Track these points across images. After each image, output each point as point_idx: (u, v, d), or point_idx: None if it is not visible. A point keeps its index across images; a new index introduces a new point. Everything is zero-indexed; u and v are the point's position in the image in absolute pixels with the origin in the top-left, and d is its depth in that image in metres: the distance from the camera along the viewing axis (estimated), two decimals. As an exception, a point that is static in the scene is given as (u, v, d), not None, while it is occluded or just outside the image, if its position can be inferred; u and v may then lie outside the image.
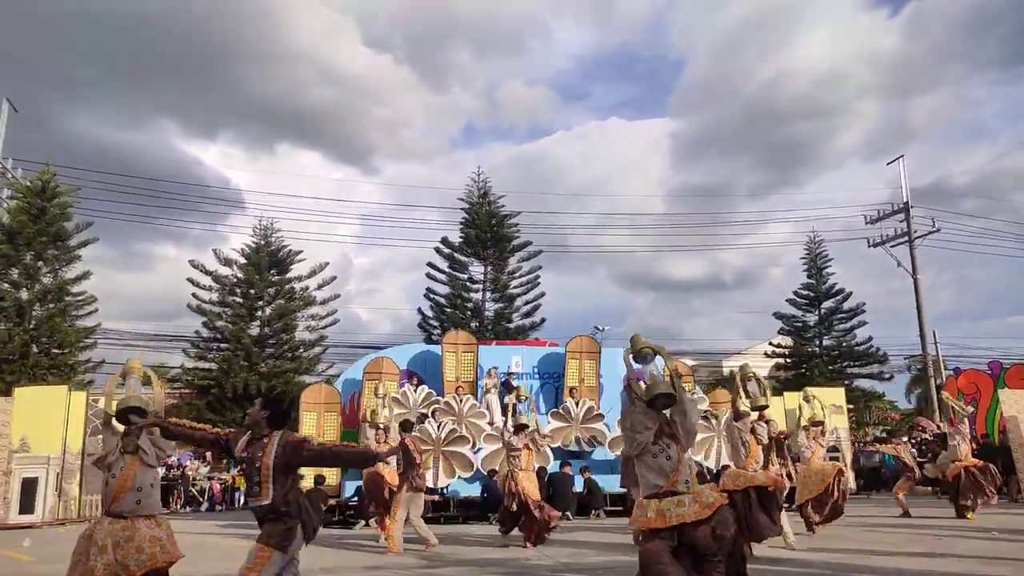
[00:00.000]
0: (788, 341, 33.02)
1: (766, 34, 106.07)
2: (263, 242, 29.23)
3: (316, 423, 15.12)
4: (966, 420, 12.93)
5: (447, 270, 30.34)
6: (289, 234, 32.63)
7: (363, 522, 13.36)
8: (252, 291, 28.32)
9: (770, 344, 33.47)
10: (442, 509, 14.22)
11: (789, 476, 9.14)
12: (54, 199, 24.01)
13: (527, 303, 29.99)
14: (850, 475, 18.34)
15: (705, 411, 15.92)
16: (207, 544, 10.81)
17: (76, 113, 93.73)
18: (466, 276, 30.41)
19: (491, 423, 14.88)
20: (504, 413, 15.31)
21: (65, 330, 23.11)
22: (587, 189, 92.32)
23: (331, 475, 14.63)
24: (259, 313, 28.50)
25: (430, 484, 14.03)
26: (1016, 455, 15.59)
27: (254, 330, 28.15)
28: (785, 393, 21.09)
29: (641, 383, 4.83)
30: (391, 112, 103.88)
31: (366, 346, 28.50)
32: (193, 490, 20.87)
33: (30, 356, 22.16)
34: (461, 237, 30.52)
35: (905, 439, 18.21)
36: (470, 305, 29.82)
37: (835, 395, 20.22)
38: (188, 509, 20.10)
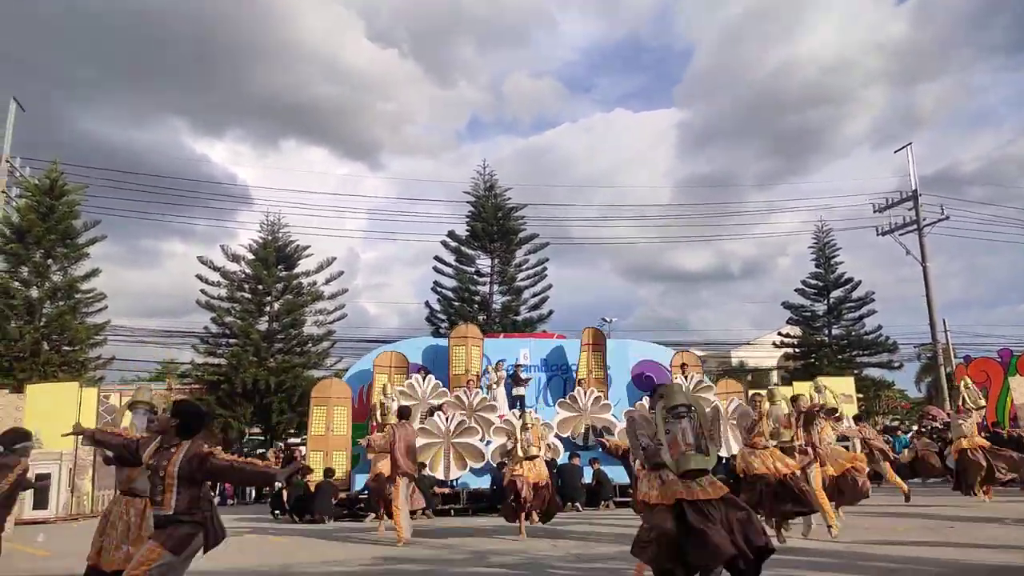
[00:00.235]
0: (797, 331, 32.94)
1: (773, 22, 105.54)
2: (271, 238, 29.31)
3: (326, 417, 15.18)
4: (973, 412, 12.79)
5: (454, 263, 30.40)
6: (296, 230, 32.76)
7: (373, 515, 13.40)
8: (260, 287, 28.42)
9: (779, 334, 33.39)
10: (452, 501, 14.27)
11: (814, 448, 9.00)
12: (62, 197, 24.13)
13: (534, 295, 30.03)
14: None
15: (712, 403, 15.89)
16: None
17: (83, 112, 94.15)
18: (473, 269, 30.46)
19: (500, 416, 14.90)
20: (512, 406, 15.36)
21: (75, 327, 23.26)
22: (593, 181, 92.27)
23: (340, 468, 14.69)
24: (267, 308, 28.60)
25: (440, 476, 14.09)
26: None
27: (263, 325, 28.25)
28: (794, 383, 21.05)
29: (666, 452, 4.63)
30: (397, 107, 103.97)
31: (374, 340, 28.58)
32: (204, 485, 20.99)
33: (41, 353, 22.31)
34: (467, 230, 30.53)
35: (907, 425, 18.10)
36: (477, 298, 29.85)
37: (845, 384, 20.12)
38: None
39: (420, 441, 14.14)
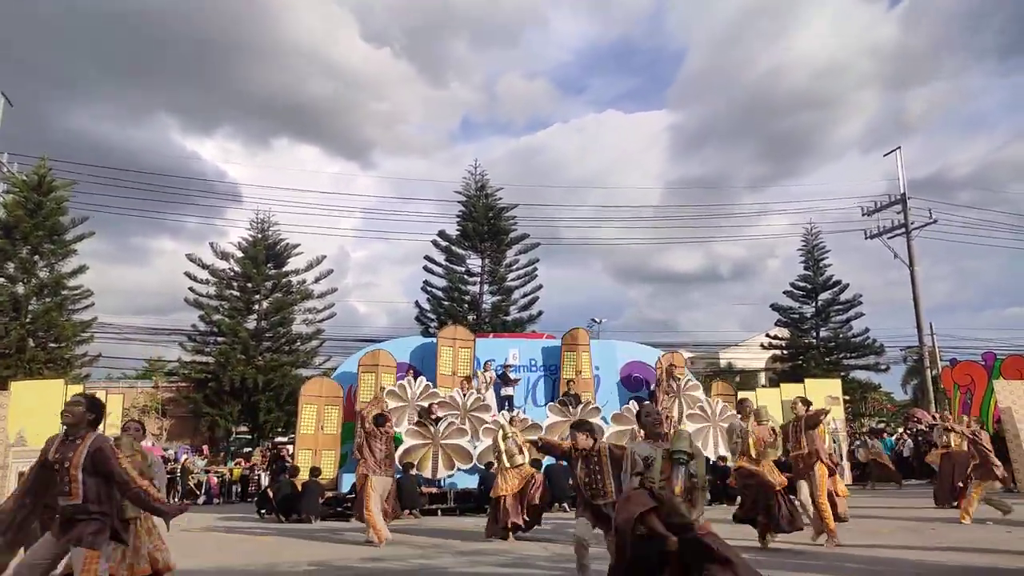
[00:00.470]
0: (785, 333, 33.09)
1: (765, 25, 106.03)
2: (260, 236, 29.19)
3: (316, 417, 15.12)
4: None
5: (444, 263, 30.35)
6: (287, 228, 32.65)
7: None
8: (249, 285, 28.31)
9: (767, 336, 33.54)
10: (440, 501, 14.26)
11: (818, 454, 8.97)
12: (50, 193, 23.98)
13: (524, 296, 30.02)
14: (846, 466, 18.39)
15: (700, 402, 15.98)
16: (204, 537, 10.85)
17: (73, 108, 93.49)
18: (463, 269, 30.43)
19: (491, 416, 14.90)
20: (501, 407, 15.36)
21: (61, 324, 23.11)
22: (585, 182, 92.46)
23: (327, 468, 14.66)
24: (256, 307, 28.49)
25: (428, 475, 14.08)
26: (1011, 446, 15.65)
27: (251, 323, 28.14)
28: (782, 384, 21.15)
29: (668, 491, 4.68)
30: (389, 106, 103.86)
31: (364, 339, 28.49)
32: (190, 483, 20.88)
33: (26, 350, 22.16)
34: (458, 230, 30.51)
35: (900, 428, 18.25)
36: (467, 298, 29.84)
37: (831, 386, 20.27)
38: (187, 502, 20.10)
39: (409, 442, 14.17)
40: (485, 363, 16.01)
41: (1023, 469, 15.42)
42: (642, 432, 5.27)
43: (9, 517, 4.55)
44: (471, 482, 14.29)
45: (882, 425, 28.13)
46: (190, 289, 27.70)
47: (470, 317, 28.33)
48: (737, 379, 34.00)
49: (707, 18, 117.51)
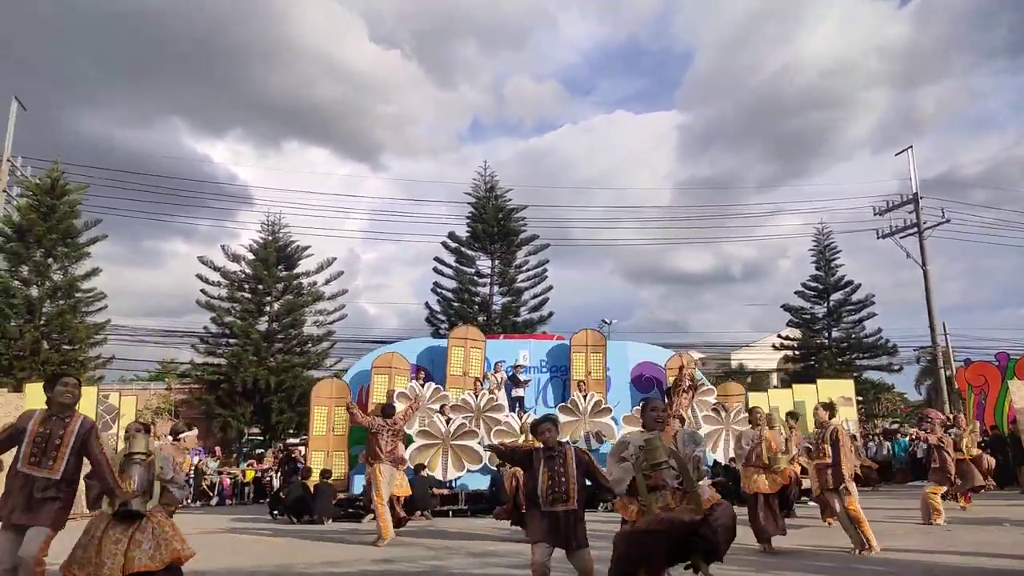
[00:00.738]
0: (797, 333, 32.94)
1: (773, 25, 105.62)
2: (271, 238, 29.32)
3: (327, 418, 15.17)
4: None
5: (454, 264, 30.41)
6: (297, 230, 32.83)
7: (371, 515, 13.41)
8: (260, 287, 28.45)
9: (779, 336, 33.38)
10: (451, 502, 14.27)
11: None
12: (63, 197, 24.17)
13: (534, 297, 30.04)
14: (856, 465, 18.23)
15: (714, 404, 15.93)
16: (217, 538, 10.88)
17: (85, 112, 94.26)
18: (473, 270, 30.48)
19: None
20: (512, 408, 15.36)
21: (75, 326, 23.29)
22: (594, 183, 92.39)
23: (338, 469, 14.70)
24: (267, 308, 28.63)
25: (439, 476, 14.08)
26: (1027, 446, 15.50)
27: (263, 325, 28.28)
28: (794, 385, 21.02)
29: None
30: (398, 108, 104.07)
31: (374, 341, 28.61)
32: (204, 485, 20.98)
33: (41, 352, 22.34)
34: (468, 231, 30.55)
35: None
36: (477, 299, 29.87)
37: (844, 387, 20.10)
38: (199, 503, 20.22)
39: (419, 442, 14.18)
40: (495, 364, 16.01)
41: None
42: (643, 426, 5.24)
43: None
44: (483, 483, 14.29)
45: (896, 426, 27.94)
46: (202, 291, 27.91)
47: (480, 318, 28.35)
48: (749, 380, 33.85)
49: (715, 18, 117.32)
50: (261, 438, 28.35)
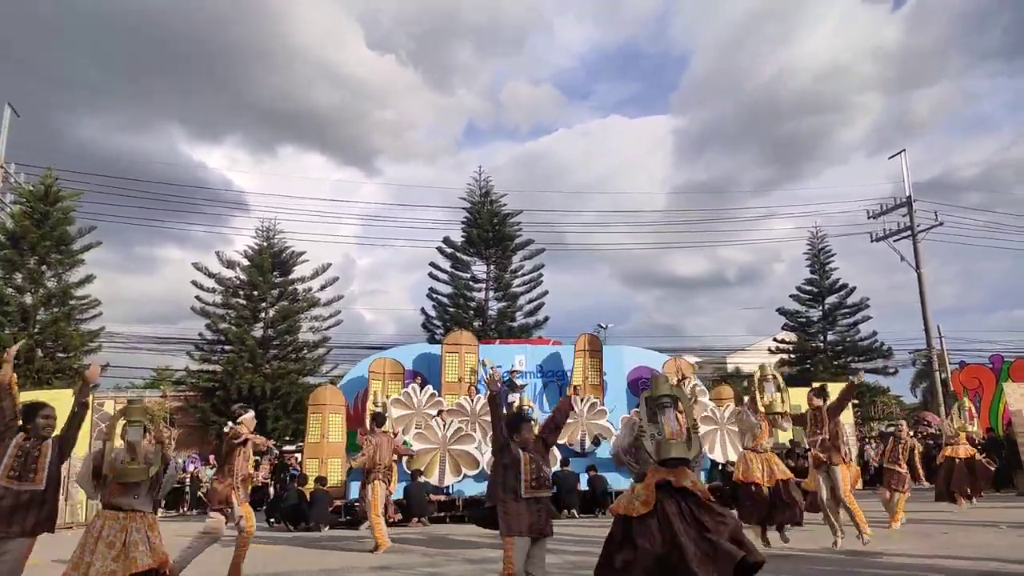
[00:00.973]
0: (792, 337, 32.98)
1: (769, 29, 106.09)
2: (266, 244, 29.25)
3: (321, 424, 15.13)
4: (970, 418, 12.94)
5: (450, 270, 30.37)
6: (292, 236, 32.70)
7: (367, 522, 13.37)
8: (255, 293, 28.36)
9: (774, 340, 33.44)
10: (448, 508, 14.23)
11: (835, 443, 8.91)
12: (57, 203, 24.08)
13: (530, 302, 30.01)
14: (856, 470, 18.28)
15: (708, 406, 16.00)
16: (213, 547, 10.81)
17: (80, 117, 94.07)
18: (469, 275, 30.44)
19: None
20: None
21: (69, 334, 23.18)
22: (590, 187, 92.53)
23: (336, 476, 14.65)
24: (263, 315, 28.54)
25: (435, 482, 14.06)
26: (1022, 449, 15.56)
27: (258, 332, 28.18)
28: (790, 389, 21.03)
29: (651, 440, 4.56)
30: (395, 113, 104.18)
31: (370, 347, 28.54)
32: (200, 493, 20.90)
33: (35, 360, 22.21)
34: (463, 236, 30.53)
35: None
36: (473, 304, 29.84)
37: (839, 391, 20.15)
38: (195, 512, 20.14)
39: (416, 447, 14.15)
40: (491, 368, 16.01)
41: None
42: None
43: None
44: (480, 489, 14.26)
45: (891, 429, 27.96)
46: (197, 298, 27.79)
47: (476, 323, 28.34)
48: (745, 383, 33.85)
49: (711, 22, 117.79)
50: (257, 445, 28.22)
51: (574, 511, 13.97)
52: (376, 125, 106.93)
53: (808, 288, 32.19)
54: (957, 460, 12.64)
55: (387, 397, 14.57)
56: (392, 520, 10.96)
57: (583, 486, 14.68)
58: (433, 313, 29.99)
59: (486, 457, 14.20)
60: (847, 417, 19.48)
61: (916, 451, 11.90)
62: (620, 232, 72.35)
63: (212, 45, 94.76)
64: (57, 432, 5.45)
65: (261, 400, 26.29)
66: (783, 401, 8.57)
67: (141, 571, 4.57)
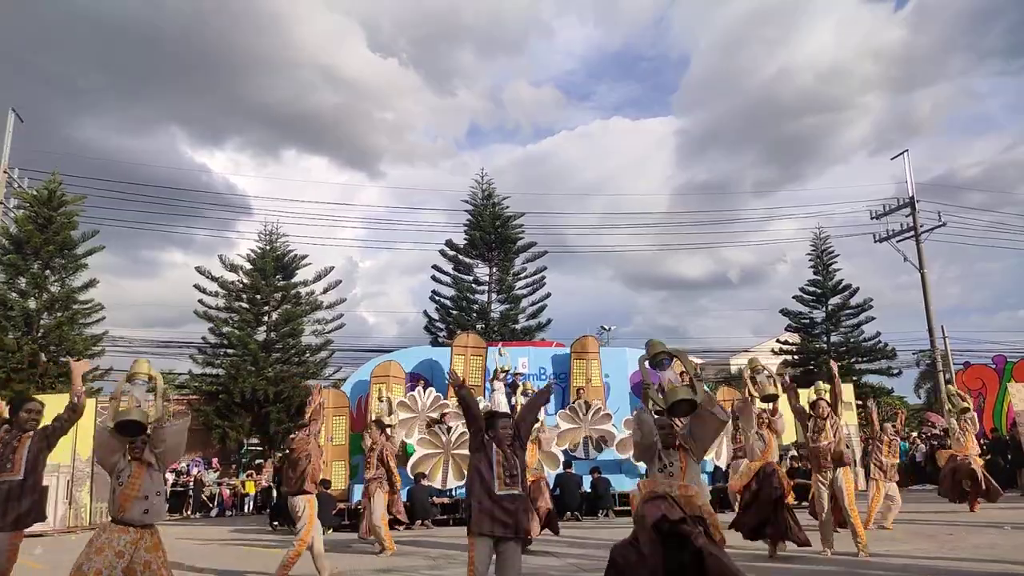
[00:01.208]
0: (795, 338, 32.92)
1: (770, 30, 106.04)
2: (269, 247, 29.28)
3: (324, 427, 15.11)
4: (968, 417, 12.84)
5: (452, 272, 30.37)
6: (295, 239, 32.73)
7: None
8: (258, 296, 28.37)
9: (777, 341, 33.37)
10: (452, 511, 14.23)
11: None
12: (60, 208, 24.15)
13: (533, 304, 30.00)
14: (860, 471, 18.26)
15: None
16: (216, 549, 10.85)
17: (82, 121, 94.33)
18: (471, 278, 30.44)
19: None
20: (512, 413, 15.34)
21: (73, 338, 23.23)
22: (592, 189, 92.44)
23: (339, 478, 14.66)
24: (265, 318, 28.55)
25: (438, 486, 14.06)
26: (1027, 449, 15.53)
27: (261, 335, 28.18)
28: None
29: (658, 393, 4.68)
30: (396, 115, 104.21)
31: (373, 350, 28.52)
32: (203, 496, 20.94)
33: (39, 365, 22.26)
34: (466, 239, 30.54)
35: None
36: (476, 307, 29.83)
37: (843, 392, 20.10)
38: (199, 515, 20.17)
39: (420, 452, 14.16)
40: (495, 371, 16.00)
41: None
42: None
43: None
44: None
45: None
46: (200, 302, 27.80)
47: (479, 326, 28.32)
48: (744, 389, 33.78)
49: (712, 23, 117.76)
50: (260, 448, 28.26)
51: (577, 513, 13.96)
52: (377, 127, 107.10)
53: (811, 289, 32.13)
54: (960, 459, 12.45)
55: (390, 394, 14.52)
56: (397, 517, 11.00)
57: (586, 488, 14.66)
58: (436, 316, 30.01)
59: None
60: (850, 419, 19.47)
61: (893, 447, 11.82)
62: (622, 234, 72.39)
63: (214, 48, 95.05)
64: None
65: (264, 403, 26.31)
66: (775, 385, 8.61)
67: None
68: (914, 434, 24.91)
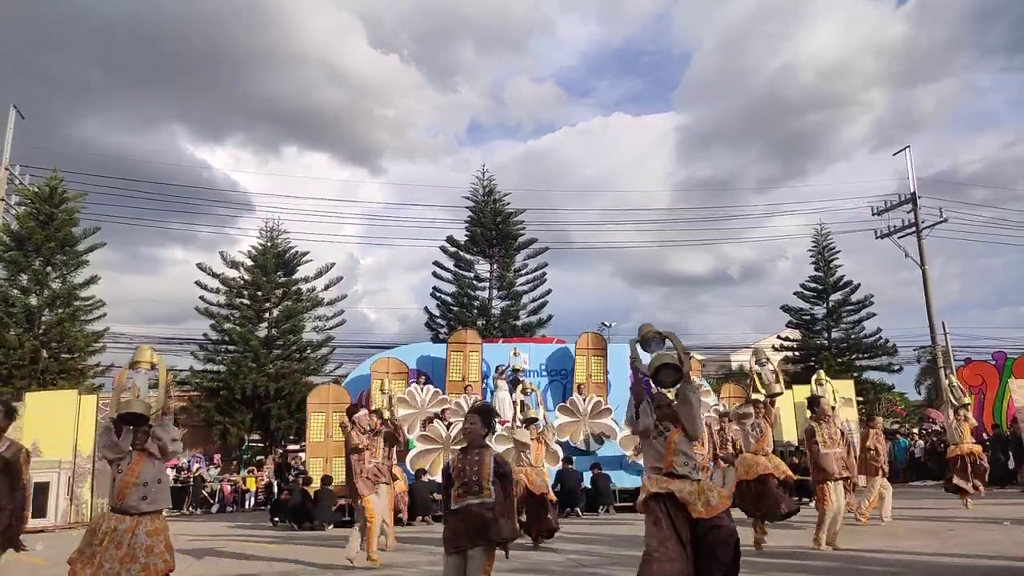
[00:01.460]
0: (796, 334, 32.91)
1: (772, 26, 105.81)
2: (270, 244, 29.29)
3: (325, 424, 15.13)
4: (964, 410, 12.82)
5: (453, 269, 30.39)
6: (296, 235, 32.70)
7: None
8: (259, 293, 28.40)
9: (778, 337, 33.38)
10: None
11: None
12: (62, 205, 24.18)
13: (533, 300, 30.02)
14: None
15: (714, 405, 15.94)
16: (217, 545, 10.87)
17: (83, 118, 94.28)
18: (472, 274, 30.44)
19: (502, 422, 14.87)
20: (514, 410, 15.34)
21: (74, 335, 23.27)
22: (593, 185, 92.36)
23: (338, 475, 14.66)
24: (266, 315, 28.58)
25: (439, 481, 14.06)
26: (1027, 445, 15.52)
27: (262, 332, 28.23)
28: (795, 386, 21.03)
29: (640, 364, 4.85)
30: (398, 112, 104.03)
31: (374, 346, 28.55)
32: (204, 492, 20.98)
33: (40, 361, 22.30)
34: (467, 235, 30.55)
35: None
36: (477, 303, 29.84)
37: (844, 388, 20.12)
38: (200, 511, 20.21)
39: (419, 447, 14.17)
40: (497, 367, 16.00)
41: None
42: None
43: None
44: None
45: (896, 426, 27.93)
46: (201, 298, 27.84)
47: (480, 322, 28.33)
48: (748, 382, 33.79)
49: (713, 19, 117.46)
50: (261, 445, 28.32)
51: (578, 509, 13.97)
52: (379, 124, 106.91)
53: (812, 285, 32.12)
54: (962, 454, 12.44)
55: (392, 388, 14.51)
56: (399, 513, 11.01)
57: (586, 484, 14.67)
58: (437, 312, 30.03)
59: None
60: (851, 415, 19.48)
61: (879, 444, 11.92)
62: (624, 230, 72.31)
63: (215, 45, 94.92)
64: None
65: (265, 400, 26.35)
66: (779, 382, 8.67)
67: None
68: (914, 430, 24.91)
